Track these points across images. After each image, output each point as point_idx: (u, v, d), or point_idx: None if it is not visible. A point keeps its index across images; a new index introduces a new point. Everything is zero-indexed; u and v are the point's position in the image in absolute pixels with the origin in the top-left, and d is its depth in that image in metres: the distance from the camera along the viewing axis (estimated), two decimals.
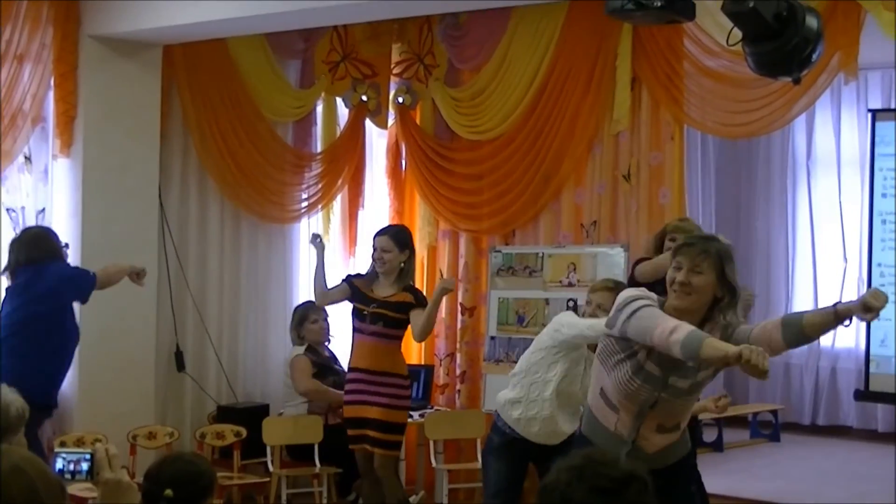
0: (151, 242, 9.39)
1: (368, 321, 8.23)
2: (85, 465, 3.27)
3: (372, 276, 8.40)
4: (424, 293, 8.59)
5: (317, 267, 8.53)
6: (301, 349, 9.62)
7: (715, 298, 4.84)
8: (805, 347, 12.91)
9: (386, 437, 8.23)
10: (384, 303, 8.21)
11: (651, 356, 4.87)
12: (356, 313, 8.35)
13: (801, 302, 13.54)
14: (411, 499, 9.54)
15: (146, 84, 9.34)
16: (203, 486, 3.81)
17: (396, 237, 8.40)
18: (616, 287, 6.47)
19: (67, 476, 3.30)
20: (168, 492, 3.70)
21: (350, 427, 8.40)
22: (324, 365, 9.64)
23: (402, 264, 8.27)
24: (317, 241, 8.63)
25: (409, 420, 9.18)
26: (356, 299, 8.33)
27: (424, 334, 8.40)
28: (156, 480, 3.77)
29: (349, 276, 8.65)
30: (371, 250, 8.40)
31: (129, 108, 9.21)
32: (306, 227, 10.50)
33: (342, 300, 8.53)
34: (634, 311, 4.73)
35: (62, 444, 8.33)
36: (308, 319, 9.64)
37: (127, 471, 3.27)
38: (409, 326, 8.30)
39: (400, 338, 8.37)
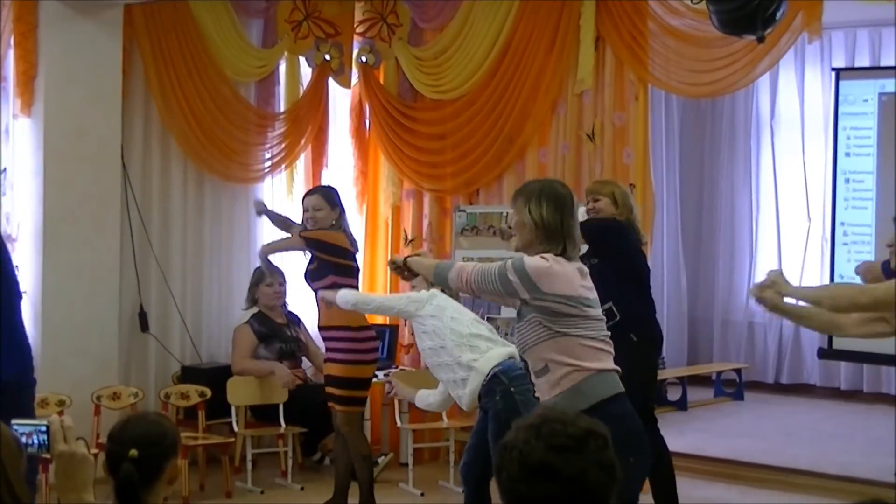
0: (114, 203, 9.33)
1: (308, 279, 8.27)
2: (38, 438, 3.23)
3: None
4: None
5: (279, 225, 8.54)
6: (247, 316, 9.61)
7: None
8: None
9: (344, 394, 8.17)
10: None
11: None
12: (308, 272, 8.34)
13: (765, 261, 13.59)
14: (379, 460, 9.55)
15: (107, 44, 9.24)
16: (167, 445, 3.79)
17: (327, 196, 8.34)
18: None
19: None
20: (133, 452, 3.68)
21: (326, 384, 8.36)
22: (270, 333, 9.63)
23: (334, 222, 8.22)
24: (260, 206, 8.69)
25: (375, 380, 9.18)
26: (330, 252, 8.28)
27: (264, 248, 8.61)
28: (119, 441, 3.74)
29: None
30: (302, 211, 8.35)
31: (89, 68, 9.12)
32: (270, 186, 10.46)
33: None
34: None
35: None
36: (263, 282, 9.63)
37: (84, 442, 3.25)
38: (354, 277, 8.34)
39: (337, 286, 7.91)
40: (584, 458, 2.82)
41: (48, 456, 3.22)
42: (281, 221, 8.90)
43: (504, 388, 6.65)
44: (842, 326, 5.60)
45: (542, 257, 4.98)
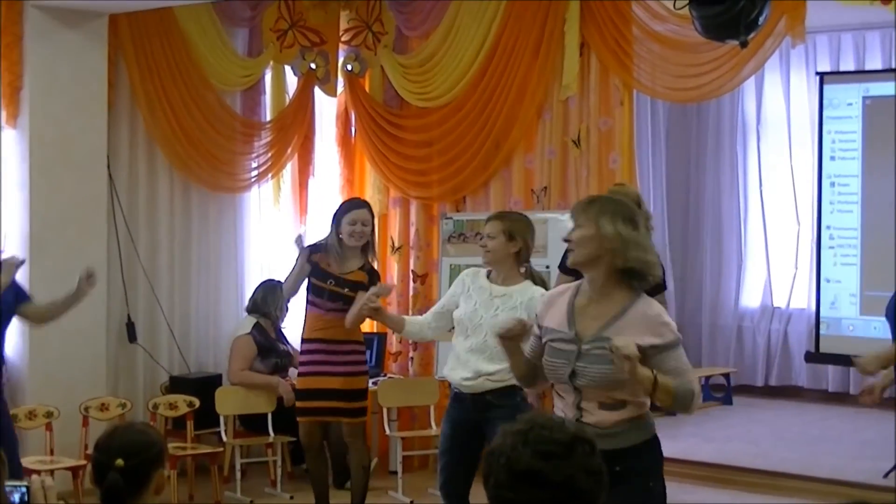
0: (100, 213, 9.33)
1: (326, 298, 8.04)
2: (17, 497, 3.20)
3: (332, 248, 8.09)
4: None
5: (296, 272, 8.24)
6: (248, 326, 9.60)
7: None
8: (757, 309, 13.12)
9: (351, 406, 8.13)
10: (342, 280, 8.03)
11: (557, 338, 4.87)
12: (313, 288, 8.12)
13: (754, 267, 13.63)
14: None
15: (92, 54, 9.25)
16: (153, 455, 3.79)
17: (372, 212, 8.27)
18: (500, 217, 6.77)
19: None
20: (119, 461, 3.69)
21: (302, 398, 8.25)
22: (268, 347, 9.63)
23: (368, 240, 8.17)
24: (300, 241, 8.40)
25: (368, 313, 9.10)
26: (314, 275, 8.09)
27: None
28: (106, 451, 3.75)
29: (309, 249, 8.20)
30: (345, 223, 8.01)
31: (75, 78, 9.13)
32: (256, 196, 10.46)
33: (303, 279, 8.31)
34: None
35: (14, 418, 8.29)
36: (273, 294, 9.55)
37: (64, 503, 3.24)
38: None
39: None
40: (572, 464, 2.82)
41: None
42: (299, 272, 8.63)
43: (524, 395, 6.59)
44: None
45: (662, 313, 4.80)
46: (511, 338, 5.00)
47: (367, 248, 8.16)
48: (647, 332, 4.66)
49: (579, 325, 4.76)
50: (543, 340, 4.90)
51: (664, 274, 7.33)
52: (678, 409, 4.82)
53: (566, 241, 4.86)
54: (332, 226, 8.12)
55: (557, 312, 4.86)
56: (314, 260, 8.13)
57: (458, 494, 6.76)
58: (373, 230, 8.22)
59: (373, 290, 7.05)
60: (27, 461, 8.01)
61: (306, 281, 8.15)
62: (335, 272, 8.05)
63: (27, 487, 3.17)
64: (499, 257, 6.60)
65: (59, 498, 3.17)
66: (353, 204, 8.38)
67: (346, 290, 7.99)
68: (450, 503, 6.83)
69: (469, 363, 6.61)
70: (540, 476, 2.80)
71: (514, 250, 6.58)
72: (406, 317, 7.47)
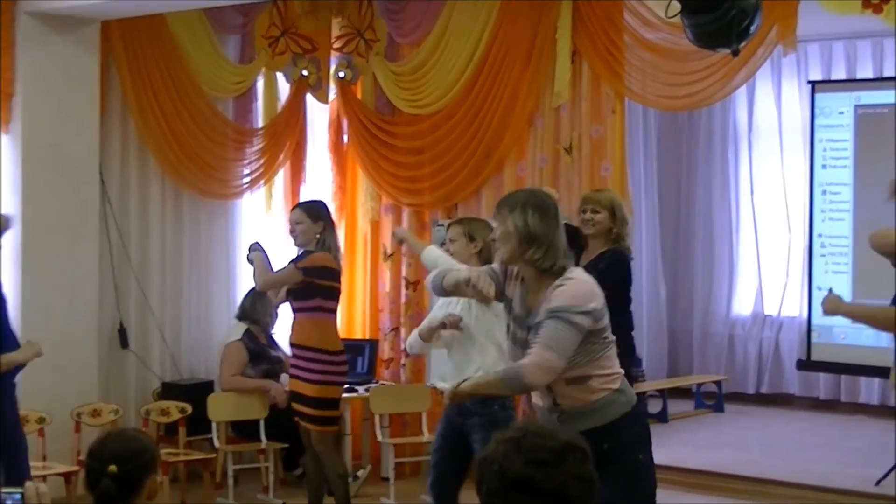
0: (92, 218, 9.34)
1: (288, 296, 8.28)
2: (11, 503, 3.20)
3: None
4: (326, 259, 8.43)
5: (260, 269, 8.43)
6: (239, 332, 9.60)
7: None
8: (748, 317, 13.15)
9: (318, 413, 8.19)
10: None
11: (512, 318, 5.04)
12: (289, 290, 8.32)
13: (745, 275, 13.65)
14: (358, 473, 9.57)
15: (84, 60, 9.26)
16: (146, 461, 3.80)
17: (308, 209, 8.35)
18: (460, 221, 7.15)
19: None
20: (112, 468, 3.70)
21: (292, 400, 8.42)
22: (259, 353, 9.64)
23: (318, 235, 8.22)
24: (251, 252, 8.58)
25: (355, 395, 9.25)
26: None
27: (261, 282, 8.48)
28: (99, 457, 3.76)
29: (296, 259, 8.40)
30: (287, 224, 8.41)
31: (67, 84, 9.14)
32: (248, 202, 10.47)
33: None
34: None
35: None
36: (260, 301, 9.58)
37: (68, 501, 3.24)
38: (336, 300, 8.36)
39: (320, 310, 8.18)
40: (564, 471, 2.82)
41: None
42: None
43: (504, 402, 6.63)
44: None
45: (576, 278, 4.88)
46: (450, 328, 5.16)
47: (321, 242, 8.25)
48: (552, 301, 4.77)
49: (529, 317, 4.92)
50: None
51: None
52: (512, 392, 4.98)
53: (493, 240, 5.05)
54: None
55: (517, 301, 5.03)
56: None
57: (446, 494, 6.85)
58: (324, 229, 8.24)
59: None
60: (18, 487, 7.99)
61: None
62: None
63: (21, 494, 3.17)
64: (462, 259, 6.82)
65: None
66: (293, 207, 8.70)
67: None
68: (438, 502, 6.87)
69: (447, 369, 6.86)
70: (532, 484, 2.80)
71: (475, 251, 6.85)
72: None
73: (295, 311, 8.30)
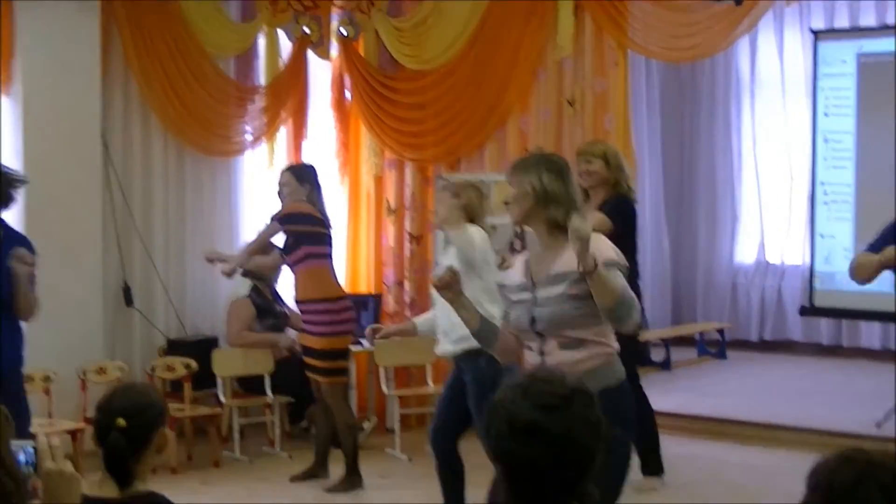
0: (96, 179, 9.35)
1: (284, 254, 8.46)
2: (25, 457, 3.21)
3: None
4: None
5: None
6: (246, 288, 9.63)
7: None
8: (752, 265, 13.20)
9: (327, 365, 8.33)
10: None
11: (508, 292, 5.08)
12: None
13: (748, 223, 13.69)
14: (364, 425, 9.63)
15: (85, 21, 9.23)
16: (154, 415, 3.83)
17: (295, 172, 8.55)
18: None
19: None
20: (120, 421, 3.73)
21: (303, 354, 8.54)
22: (264, 308, 9.67)
23: (305, 198, 8.33)
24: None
25: (360, 348, 9.27)
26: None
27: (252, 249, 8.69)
28: (107, 411, 3.79)
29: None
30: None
31: (68, 45, 9.11)
32: (251, 159, 10.47)
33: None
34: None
35: None
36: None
37: (73, 459, 3.24)
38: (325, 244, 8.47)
39: (310, 257, 8.31)
40: (571, 416, 2.86)
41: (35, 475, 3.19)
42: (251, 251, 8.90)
43: (490, 354, 6.66)
44: None
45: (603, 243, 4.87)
46: (445, 288, 5.04)
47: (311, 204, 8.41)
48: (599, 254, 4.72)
49: (534, 275, 4.93)
50: (507, 303, 5.06)
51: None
52: (619, 316, 4.70)
53: (506, 203, 5.05)
54: None
55: (515, 271, 5.07)
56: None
57: (444, 442, 7.00)
58: (311, 192, 8.41)
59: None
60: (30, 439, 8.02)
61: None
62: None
63: (34, 447, 3.19)
64: (445, 216, 7.03)
65: (65, 456, 3.19)
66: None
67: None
68: (434, 451, 7.06)
69: (441, 326, 6.97)
70: (540, 428, 2.83)
71: (459, 205, 7.00)
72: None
73: (290, 266, 8.44)
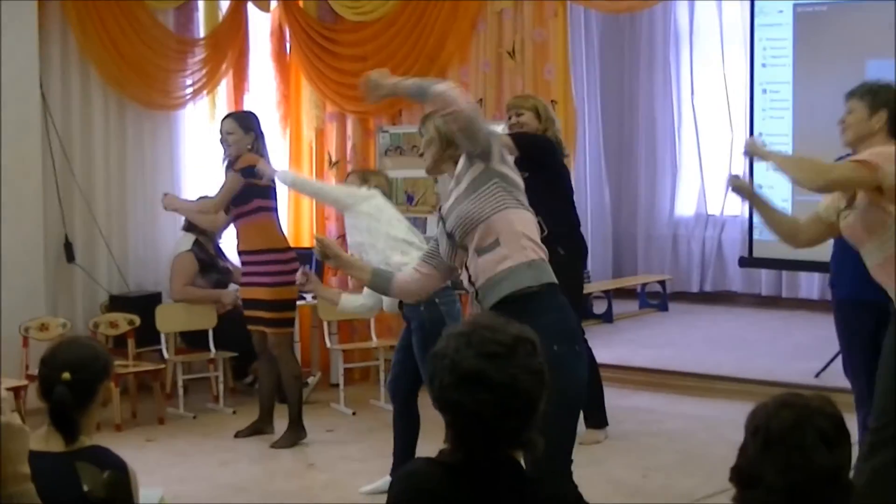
0: (34, 133, 9.27)
1: (232, 204, 8.41)
2: None
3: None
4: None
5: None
6: (188, 243, 9.60)
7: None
8: (692, 217, 13.28)
9: (276, 316, 8.35)
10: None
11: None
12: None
13: (688, 175, 13.76)
14: (308, 380, 9.65)
15: None
16: (99, 368, 3.84)
17: (240, 120, 8.51)
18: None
19: None
20: (65, 375, 3.73)
21: (244, 308, 8.55)
22: (208, 262, 9.66)
23: (249, 147, 8.30)
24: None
25: (302, 302, 9.27)
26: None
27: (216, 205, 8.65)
28: (52, 365, 3.79)
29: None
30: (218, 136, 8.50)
31: None
32: (192, 113, 10.42)
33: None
34: None
35: None
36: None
37: (19, 414, 3.24)
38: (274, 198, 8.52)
39: (261, 210, 8.37)
40: (514, 364, 2.89)
41: None
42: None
43: (430, 299, 6.69)
44: (796, 236, 5.89)
45: None
46: (325, 258, 5.40)
47: (255, 152, 8.39)
48: None
49: (443, 208, 5.05)
50: (435, 245, 5.16)
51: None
52: (419, 95, 4.94)
53: (421, 155, 5.28)
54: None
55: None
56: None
57: (401, 393, 7.04)
58: (255, 141, 8.40)
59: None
60: None
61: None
62: None
63: None
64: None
65: (12, 410, 3.19)
66: (223, 117, 8.75)
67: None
68: (393, 400, 7.13)
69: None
70: (483, 376, 2.86)
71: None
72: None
73: (237, 217, 8.42)
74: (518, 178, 4.94)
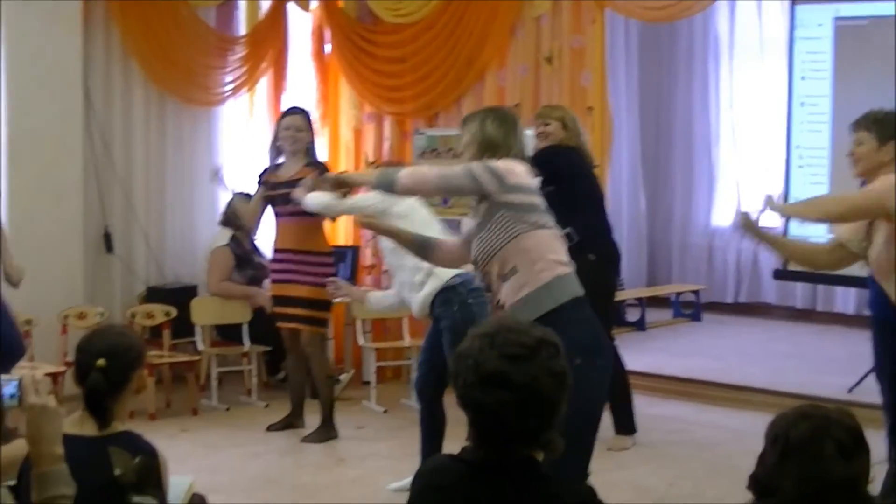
0: (76, 126, 9.37)
1: (281, 203, 8.36)
2: (10, 390, 3.31)
3: (274, 162, 8.51)
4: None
5: (254, 202, 8.67)
6: (226, 238, 9.69)
7: None
8: (728, 228, 13.26)
9: (312, 314, 8.41)
10: (290, 183, 8.25)
11: None
12: (270, 200, 8.47)
13: (725, 186, 13.75)
14: (340, 377, 9.71)
15: None
16: (133, 356, 3.91)
17: (307, 117, 8.54)
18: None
19: None
20: (100, 362, 3.81)
21: (277, 305, 8.58)
22: (244, 258, 9.73)
23: (308, 147, 8.38)
24: (216, 175, 8.81)
25: (337, 300, 9.31)
26: (269, 190, 8.43)
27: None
28: (87, 352, 3.87)
29: (259, 176, 8.64)
30: (280, 130, 8.44)
31: None
32: (231, 110, 10.51)
33: (266, 205, 8.61)
34: None
35: None
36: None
37: (54, 397, 3.34)
38: None
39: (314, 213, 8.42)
40: (536, 366, 2.95)
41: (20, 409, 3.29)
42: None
43: (462, 299, 6.78)
44: (813, 259, 5.99)
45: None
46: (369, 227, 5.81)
47: (309, 154, 8.43)
48: None
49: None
50: None
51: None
52: (383, 186, 5.10)
53: (459, 155, 5.32)
54: (273, 133, 8.56)
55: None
56: (265, 180, 8.49)
57: (428, 394, 7.02)
58: (312, 135, 8.48)
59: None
60: (16, 374, 8.08)
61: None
62: (283, 179, 8.34)
63: (18, 381, 3.29)
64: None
65: (48, 392, 3.28)
66: (287, 111, 8.68)
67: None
68: (420, 399, 7.11)
69: (405, 292, 7.17)
70: (505, 377, 2.92)
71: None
72: None
73: (285, 216, 8.40)
74: (530, 198, 4.97)
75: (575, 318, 4.84)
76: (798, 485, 2.96)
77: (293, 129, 8.37)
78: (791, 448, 3.01)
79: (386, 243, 7.11)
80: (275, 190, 8.37)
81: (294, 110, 8.69)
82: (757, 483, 3.08)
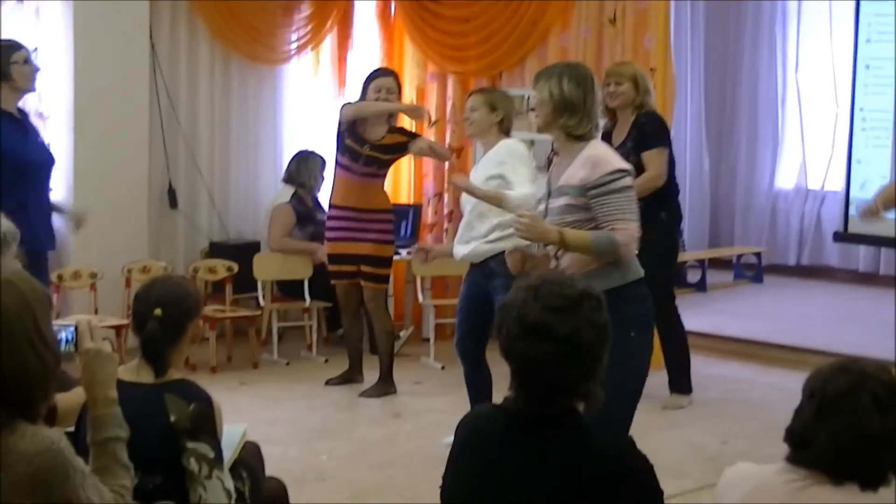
0: (143, 82, 9.49)
1: (362, 163, 8.33)
2: (66, 336, 3.41)
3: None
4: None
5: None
6: (287, 195, 9.78)
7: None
8: (791, 190, 13.22)
9: (376, 272, 8.48)
10: (378, 146, 8.31)
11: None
12: (348, 152, 8.38)
13: (789, 148, 13.70)
14: (400, 333, 9.80)
15: None
16: (189, 306, 4.01)
17: (397, 79, 8.59)
18: (481, 91, 7.41)
19: None
20: (157, 311, 3.91)
21: (333, 263, 8.61)
22: (305, 215, 9.80)
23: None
24: None
25: (398, 258, 9.41)
26: (352, 136, 8.35)
27: None
28: (145, 301, 3.98)
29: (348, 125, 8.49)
30: (371, 92, 8.33)
31: None
32: (296, 68, 10.59)
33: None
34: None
35: (60, 278, 8.57)
36: (306, 165, 9.82)
37: (109, 342, 3.44)
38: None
39: (385, 176, 8.57)
40: (578, 317, 3.01)
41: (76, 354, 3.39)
42: None
43: None
44: None
45: (599, 147, 5.04)
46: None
47: (391, 117, 8.45)
48: (582, 170, 4.91)
49: (551, 185, 5.08)
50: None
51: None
52: (601, 257, 4.85)
53: (531, 110, 5.18)
54: (360, 94, 8.44)
55: (544, 182, 5.22)
56: (357, 132, 8.40)
57: (470, 352, 7.06)
58: (400, 99, 8.53)
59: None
60: (72, 320, 8.23)
61: (339, 147, 8.44)
62: (370, 139, 8.31)
63: (75, 327, 3.39)
64: (482, 128, 7.05)
65: (104, 338, 3.38)
66: (379, 72, 8.69)
67: (382, 154, 8.35)
68: (463, 360, 7.12)
69: (464, 233, 7.08)
70: (548, 328, 2.98)
71: (496, 120, 7.03)
72: None
73: (357, 174, 8.40)
74: (616, 182, 4.91)
75: (634, 294, 4.92)
76: (833, 438, 3.00)
77: (385, 90, 8.35)
78: (827, 401, 3.05)
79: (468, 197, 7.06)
80: (360, 144, 8.32)
81: (385, 71, 8.76)
82: (793, 436, 3.12)
